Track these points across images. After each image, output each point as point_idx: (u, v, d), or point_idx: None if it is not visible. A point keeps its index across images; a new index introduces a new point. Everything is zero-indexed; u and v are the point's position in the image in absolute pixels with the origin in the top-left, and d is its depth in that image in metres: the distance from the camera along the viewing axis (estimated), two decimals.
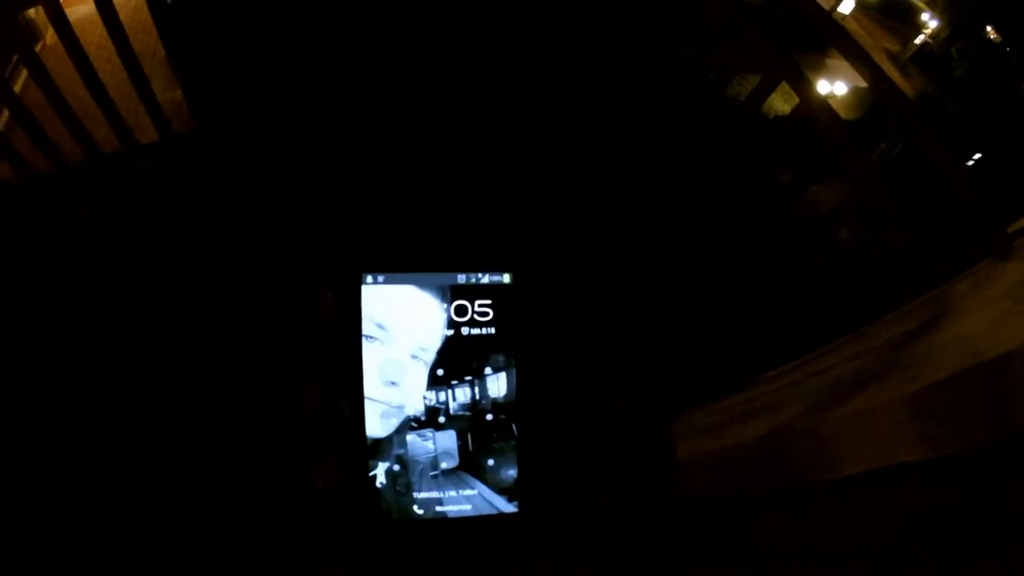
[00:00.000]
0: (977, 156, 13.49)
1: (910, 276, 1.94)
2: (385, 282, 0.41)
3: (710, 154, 2.37)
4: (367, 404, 0.39)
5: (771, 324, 2.24)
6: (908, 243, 2.10)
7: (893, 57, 16.30)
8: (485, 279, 0.42)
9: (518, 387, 0.38)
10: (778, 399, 1.45)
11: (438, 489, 0.39)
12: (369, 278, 0.41)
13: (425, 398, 0.38)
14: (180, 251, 2.07)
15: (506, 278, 0.41)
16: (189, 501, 1.64)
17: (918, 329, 1.31)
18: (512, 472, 0.37)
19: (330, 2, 2.40)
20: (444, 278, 0.41)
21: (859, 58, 1.91)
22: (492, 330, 0.41)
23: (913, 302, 1.78)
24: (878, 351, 1.37)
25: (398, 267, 0.42)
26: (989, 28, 15.14)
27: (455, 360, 0.40)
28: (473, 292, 0.42)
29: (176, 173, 2.31)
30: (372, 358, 0.39)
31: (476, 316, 0.41)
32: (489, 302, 0.41)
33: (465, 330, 0.40)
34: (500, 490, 0.37)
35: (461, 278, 0.41)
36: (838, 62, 2.50)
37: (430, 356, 0.41)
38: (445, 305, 0.40)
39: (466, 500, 0.38)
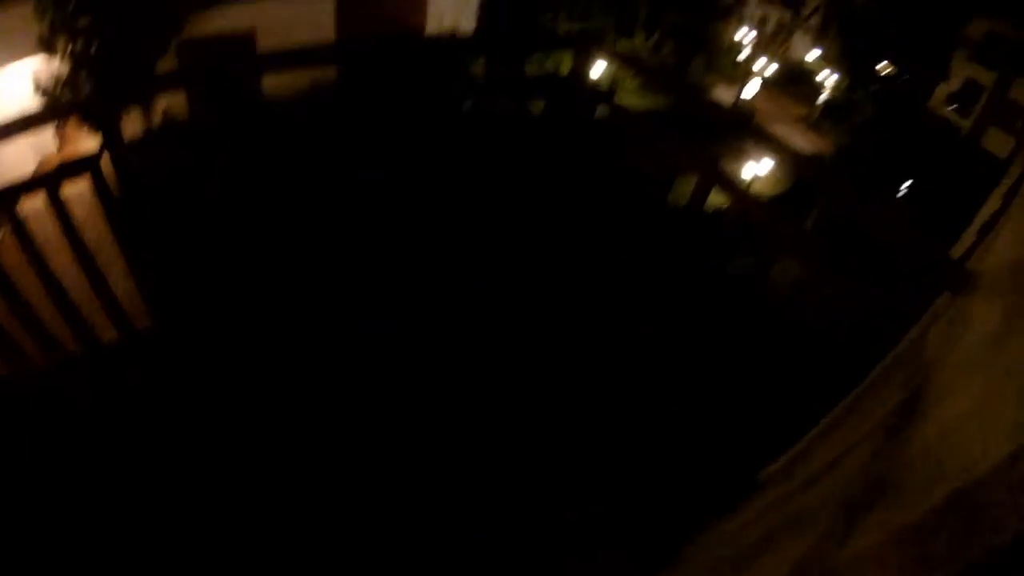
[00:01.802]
0: (907, 184, 14.30)
1: (875, 330, 1.95)
2: None
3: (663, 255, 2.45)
4: None
5: (751, 412, 2.21)
6: (862, 295, 2.15)
7: (805, 119, 17.61)
8: None
9: None
10: (783, 523, 1.39)
11: None
12: None
13: None
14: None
15: None
16: None
17: (906, 405, 1.26)
18: None
19: None
20: None
21: (767, 143, 2.10)
22: None
23: (888, 357, 1.72)
24: (872, 440, 1.31)
25: None
26: (882, 64, 16.45)
27: None
28: None
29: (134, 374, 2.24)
30: None
31: None
32: None
33: None
34: None
35: None
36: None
37: None
38: None
39: None
